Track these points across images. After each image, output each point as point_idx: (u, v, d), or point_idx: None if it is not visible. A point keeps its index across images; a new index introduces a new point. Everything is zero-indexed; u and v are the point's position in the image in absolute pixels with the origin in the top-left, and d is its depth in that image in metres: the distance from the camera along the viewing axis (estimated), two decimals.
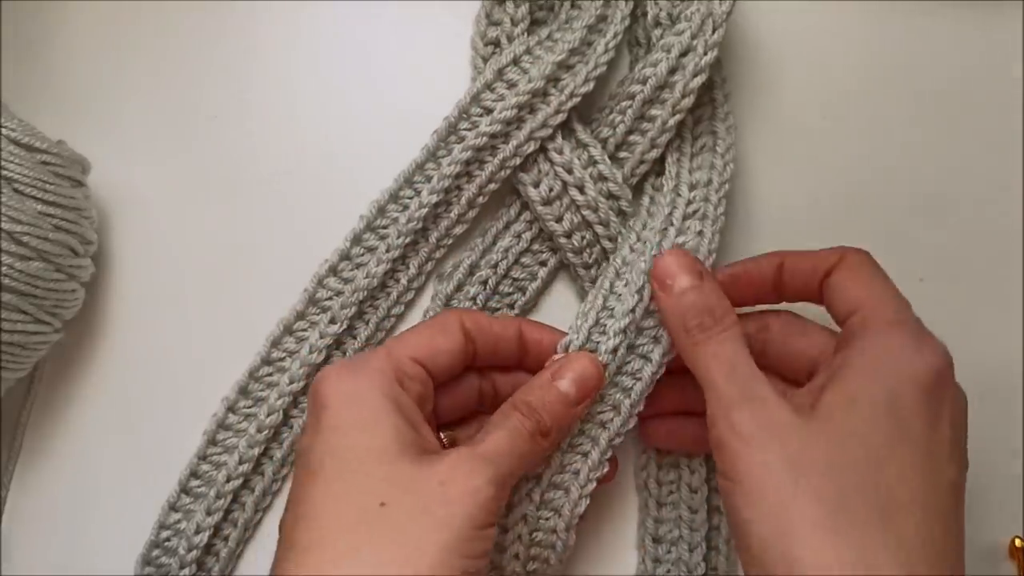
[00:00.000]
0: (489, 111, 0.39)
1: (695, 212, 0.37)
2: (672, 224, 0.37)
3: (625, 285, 0.36)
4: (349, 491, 0.30)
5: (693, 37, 0.38)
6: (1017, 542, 0.39)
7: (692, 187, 0.38)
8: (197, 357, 0.41)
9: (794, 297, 0.36)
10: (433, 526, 0.29)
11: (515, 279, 0.40)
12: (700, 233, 0.37)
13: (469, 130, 0.39)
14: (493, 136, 0.39)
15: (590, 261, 0.39)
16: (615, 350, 0.35)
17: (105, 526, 0.40)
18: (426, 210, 0.39)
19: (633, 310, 0.36)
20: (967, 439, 0.31)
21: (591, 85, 0.39)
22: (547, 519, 0.35)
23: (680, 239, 0.37)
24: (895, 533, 0.28)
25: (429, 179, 0.39)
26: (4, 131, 0.36)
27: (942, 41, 0.43)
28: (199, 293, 0.42)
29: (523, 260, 0.40)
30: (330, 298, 0.40)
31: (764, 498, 0.29)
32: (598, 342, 0.36)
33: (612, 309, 0.36)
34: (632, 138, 0.39)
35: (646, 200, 0.39)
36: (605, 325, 0.36)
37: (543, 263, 0.40)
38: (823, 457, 0.29)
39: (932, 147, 0.42)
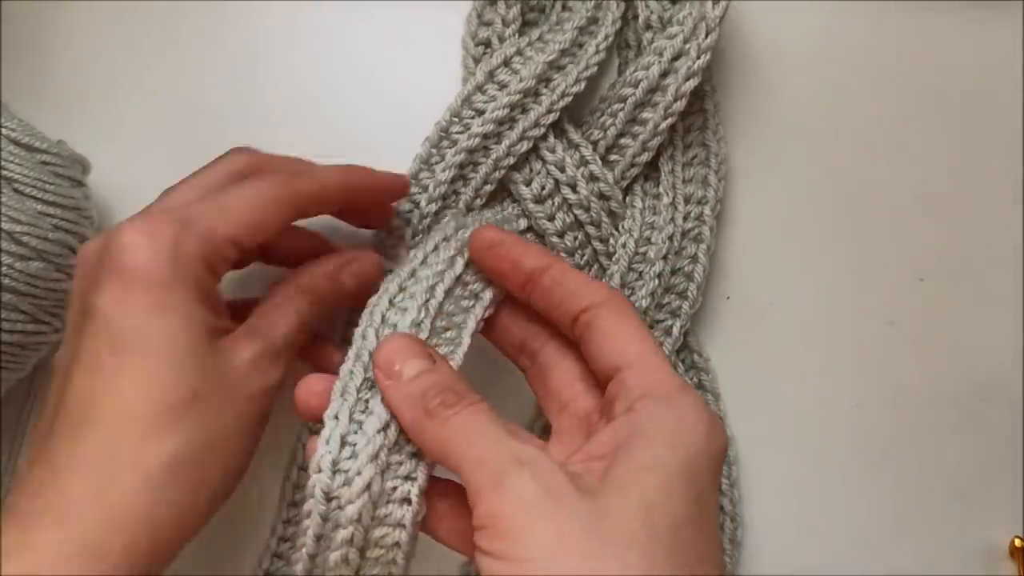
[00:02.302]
0: (480, 112, 0.39)
1: (692, 233, 0.39)
2: (669, 252, 0.38)
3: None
4: (161, 378, 0.29)
5: (686, 41, 0.38)
6: (1017, 542, 0.39)
7: (687, 200, 0.40)
8: None
9: (550, 316, 0.32)
10: (239, 417, 0.31)
11: None
12: (695, 259, 0.39)
13: (461, 133, 0.39)
14: (485, 136, 0.39)
15: (582, 263, 0.39)
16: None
17: None
18: (428, 220, 0.39)
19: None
20: None
21: (582, 85, 0.39)
22: None
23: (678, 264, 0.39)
24: None
25: (425, 188, 0.39)
26: (4, 131, 0.36)
27: (942, 41, 0.43)
28: None
29: None
30: None
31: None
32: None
33: None
34: (623, 141, 0.39)
35: (638, 205, 0.39)
36: None
37: None
38: (624, 528, 0.26)
39: (932, 147, 0.42)
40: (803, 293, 0.41)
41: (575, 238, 0.39)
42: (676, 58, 0.38)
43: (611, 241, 0.39)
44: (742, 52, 0.43)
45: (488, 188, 0.39)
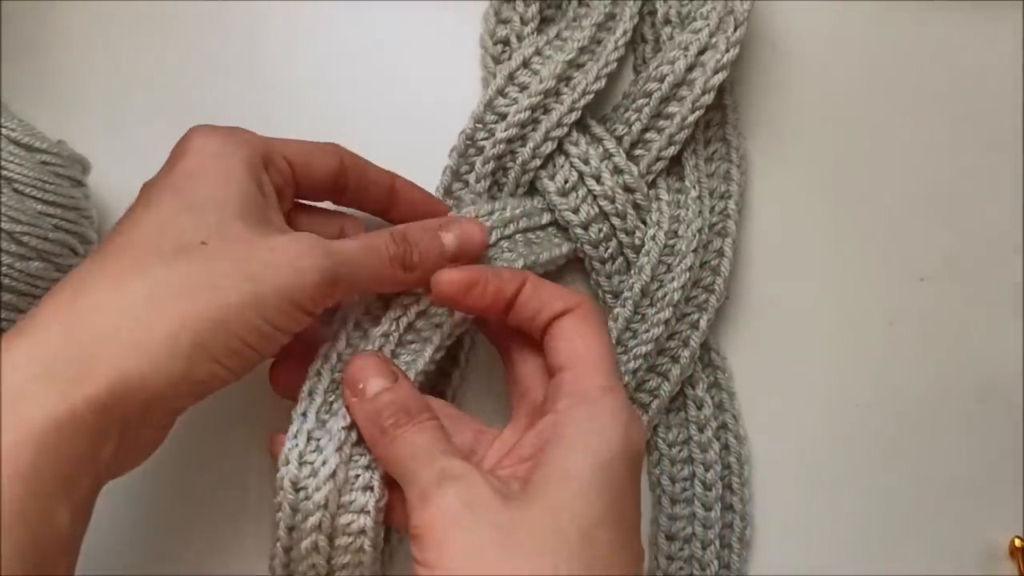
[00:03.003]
0: (503, 116, 0.39)
1: (717, 227, 0.40)
2: (699, 246, 0.39)
3: (651, 305, 0.38)
4: (176, 225, 0.30)
5: (712, 35, 0.38)
6: (1017, 542, 0.39)
7: (711, 194, 0.40)
8: None
9: (521, 326, 0.34)
10: (243, 276, 0.29)
11: (531, 240, 0.39)
12: (720, 252, 0.40)
13: (487, 139, 0.39)
14: (510, 141, 0.39)
15: (606, 255, 0.39)
16: (635, 371, 0.38)
17: (105, 525, 0.40)
18: None
19: (656, 339, 0.38)
20: None
21: (603, 82, 0.39)
22: None
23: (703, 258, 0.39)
24: None
25: (461, 200, 0.39)
26: (4, 131, 0.36)
27: (942, 41, 0.43)
28: None
29: (538, 232, 0.39)
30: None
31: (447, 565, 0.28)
32: (618, 361, 0.37)
33: (635, 331, 0.38)
34: (648, 136, 0.39)
35: (664, 198, 0.39)
36: (627, 345, 0.38)
37: (557, 245, 0.39)
38: (536, 533, 0.28)
39: (932, 147, 0.42)
40: (803, 293, 0.41)
41: (600, 230, 0.39)
42: (702, 52, 0.38)
43: (637, 234, 0.39)
44: (742, 52, 0.43)
45: (521, 191, 0.39)
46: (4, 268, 0.35)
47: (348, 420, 0.32)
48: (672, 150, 0.39)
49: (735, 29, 0.38)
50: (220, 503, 0.40)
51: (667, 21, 0.40)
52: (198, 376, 0.29)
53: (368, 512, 0.32)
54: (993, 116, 0.42)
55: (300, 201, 0.36)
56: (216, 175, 0.31)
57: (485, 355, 0.40)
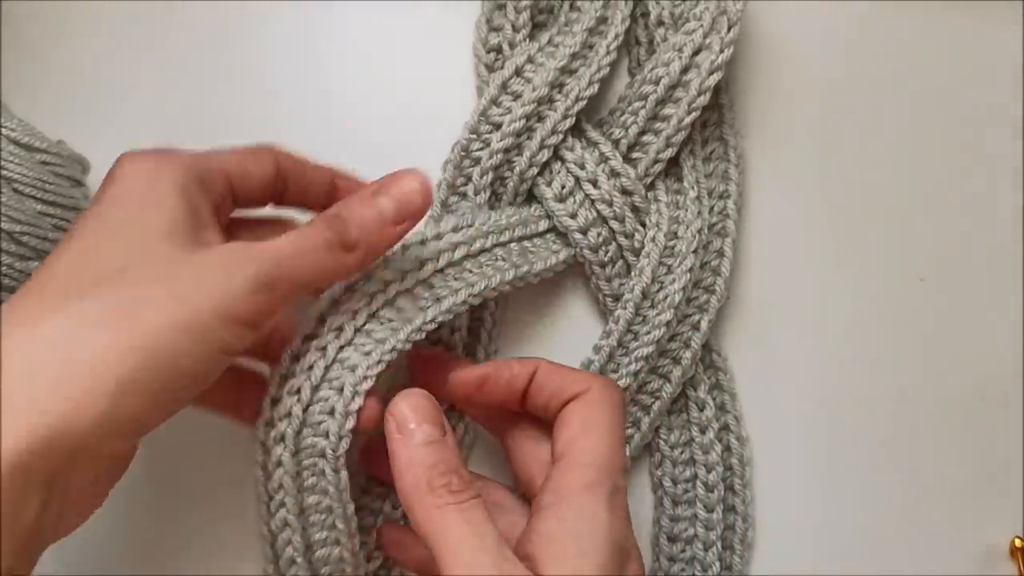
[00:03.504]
0: (498, 126, 0.39)
1: (716, 227, 0.40)
2: (699, 247, 0.39)
3: (652, 307, 0.38)
4: (97, 254, 0.28)
5: (706, 35, 0.38)
6: (1017, 542, 0.39)
7: (710, 194, 0.40)
8: None
9: (538, 414, 0.34)
10: (168, 297, 0.27)
11: (527, 249, 0.39)
12: (720, 253, 0.39)
13: (482, 150, 0.39)
14: (507, 151, 0.38)
15: (605, 259, 0.39)
16: (637, 373, 0.38)
17: (104, 526, 0.40)
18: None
19: (658, 341, 0.38)
20: None
21: (596, 87, 0.39)
22: None
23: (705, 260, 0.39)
24: None
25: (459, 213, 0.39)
26: (4, 131, 0.36)
27: (942, 41, 0.43)
28: None
29: (536, 241, 0.39)
30: None
31: None
32: (619, 364, 0.38)
33: (636, 333, 0.38)
34: (645, 138, 0.39)
35: (663, 199, 0.39)
36: (628, 347, 0.38)
37: (555, 252, 0.39)
38: None
39: (932, 147, 0.42)
40: (802, 293, 0.41)
41: (598, 234, 0.39)
42: (696, 53, 0.38)
43: (636, 236, 0.39)
44: (739, 52, 0.43)
45: (519, 200, 0.39)
46: (4, 268, 0.35)
47: (337, 427, 0.32)
48: (669, 152, 0.39)
49: (728, 29, 0.38)
50: (222, 503, 0.40)
51: (660, 23, 0.40)
52: (123, 414, 0.26)
53: (328, 436, 0.32)
54: (993, 116, 0.43)
55: (238, 215, 0.35)
56: (143, 198, 0.29)
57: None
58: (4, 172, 0.35)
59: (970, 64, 0.43)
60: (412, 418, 0.30)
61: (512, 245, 0.38)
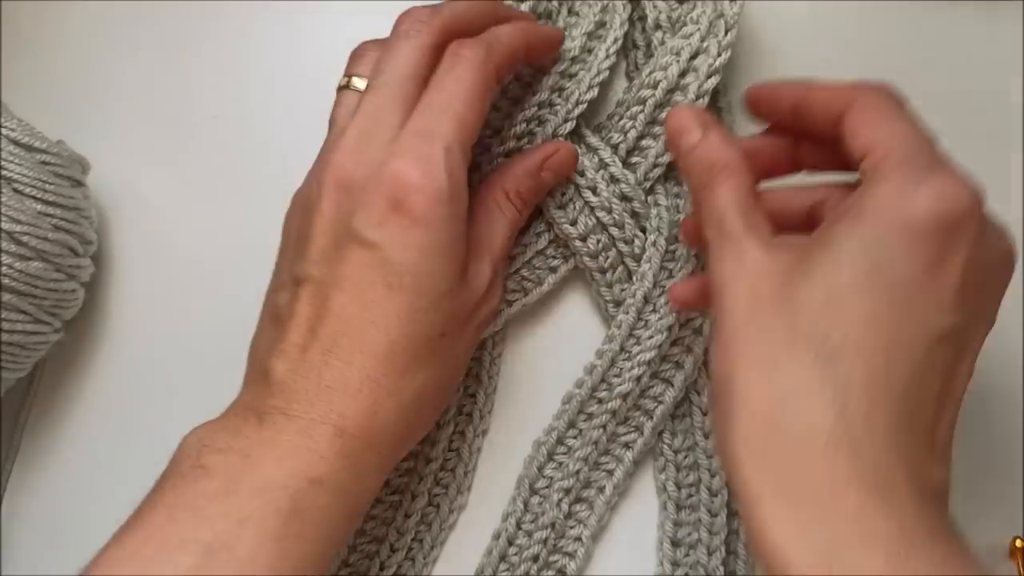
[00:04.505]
0: (498, 131, 0.39)
1: None
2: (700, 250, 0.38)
3: (654, 312, 0.38)
4: (423, 317, 0.31)
5: (703, 39, 0.38)
6: (1017, 542, 0.39)
7: None
8: (197, 357, 0.41)
9: (812, 126, 0.33)
10: (467, 346, 0.35)
11: (523, 277, 0.40)
12: None
13: (482, 154, 0.38)
14: (507, 156, 0.38)
15: (606, 265, 0.39)
16: (639, 378, 0.38)
17: (105, 526, 0.40)
18: None
19: (660, 346, 0.38)
20: (999, 292, 0.30)
21: (595, 91, 0.39)
22: (572, 528, 0.38)
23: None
24: (835, 372, 0.26)
25: None
26: (4, 131, 0.36)
27: (942, 41, 0.43)
28: (199, 293, 0.42)
29: (534, 262, 0.40)
30: None
31: (723, 331, 0.28)
32: (621, 368, 0.38)
33: (639, 338, 0.38)
34: (644, 143, 0.39)
35: (663, 203, 0.39)
36: (631, 352, 0.38)
37: (553, 269, 0.40)
38: (780, 294, 0.27)
39: None
40: None
41: (598, 241, 0.39)
42: (694, 56, 0.38)
43: (636, 242, 0.39)
44: (739, 51, 0.43)
45: None
46: (4, 268, 0.35)
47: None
48: (668, 156, 0.39)
49: (726, 32, 0.38)
50: None
51: (658, 26, 0.40)
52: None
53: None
54: (993, 116, 0.42)
55: None
56: (443, 253, 0.32)
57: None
58: (4, 172, 0.35)
59: (970, 64, 0.43)
60: (678, 130, 0.33)
61: (523, 271, 0.39)
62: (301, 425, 0.30)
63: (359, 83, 0.35)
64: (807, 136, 0.34)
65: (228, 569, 0.27)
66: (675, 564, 0.38)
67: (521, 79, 0.39)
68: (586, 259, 0.39)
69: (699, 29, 0.38)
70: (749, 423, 0.27)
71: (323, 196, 0.32)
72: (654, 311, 0.38)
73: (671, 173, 0.40)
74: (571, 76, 0.39)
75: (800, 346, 0.27)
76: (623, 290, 0.39)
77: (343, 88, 0.35)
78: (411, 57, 0.33)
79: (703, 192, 0.31)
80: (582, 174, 0.39)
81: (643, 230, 0.39)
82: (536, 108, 0.38)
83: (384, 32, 0.43)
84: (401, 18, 0.34)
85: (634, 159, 0.39)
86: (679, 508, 0.39)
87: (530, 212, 0.38)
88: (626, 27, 0.40)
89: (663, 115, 0.38)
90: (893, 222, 0.27)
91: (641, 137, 0.39)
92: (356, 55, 0.36)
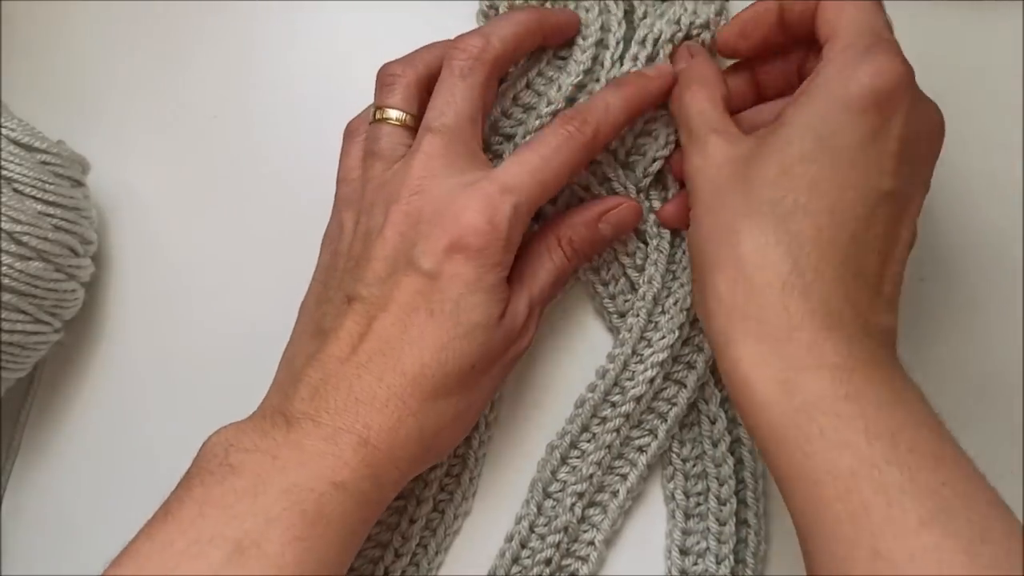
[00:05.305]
0: (510, 138, 0.38)
1: None
2: None
3: (663, 313, 0.38)
4: (457, 348, 0.32)
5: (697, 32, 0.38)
6: None
7: None
8: (197, 357, 0.41)
9: (798, 32, 0.35)
10: (492, 384, 0.35)
11: None
12: None
13: (492, 160, 0.38)
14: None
15: (607, 278, 0.39)
16: (652, 380, 0.38)
17: (105, 526, 0.40)
18: None
19: (671, 346, 0.38)
20: (932, 159, 0.33)
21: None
22: (585, 531, 0.38)
23: None
24: (787, 230, 0.30)
25: None
26: (4, 131, 0.36)
27: (942, 41, 0.43)
28: (199, 293, 0.42)
29: None
30: None
31: (695, 213, 0.33)
32: (634, 371, 0.38)
33: (650, 340, 0.38)
34: (640, 140, 0.39)
35: (660, 206, 0.39)
36: (642, 355, 0.38)
37: None
38: (740, 174, 0.32)
39: None
40: None
41: (600, 255, 0.39)
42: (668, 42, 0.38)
43: (638, 255, 0.39)
44: None
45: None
46: (4, 268, 0.35)
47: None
48: (667, 151, 0.39)
49: (716, 23, 0.38)
50: None
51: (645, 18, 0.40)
52: None
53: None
54: (993, 116, 0.42)
55: None
56: (490, 291, 0.33)
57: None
58: (4, 172, 0.35)
59: (970, 64, 0.43)
60: (682, 58, 0.38)
61: None
62: (328, 432, 0.31)
63: (395, 115, 0.35)
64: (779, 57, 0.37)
65: (257, 566, 0.28)
66: (684, 573, 0.38)
67: (532, 87, 0.39)
68: (589, 273, 0.39)
69: (690, 23, 0.38)
70: (720, 282, 0.31)
71: (388, 224, 0.33)
72: (663, 312, 0.38)
73: (662, 178, 0.40)
74: (582, 88, 0.38)
75: (757, 213, 0.31)
76: (626, 301, 0.39)
77: (378, 121, 0.36)
78: (469, 100, 0.35)
79: (678, 103, 0.36)
80: (587, 189, 0.39)
81: (644, 243, 0.39)
82: (550, 117, 0.37)
83: (384, 32, 0.43)
84: (453, 52, 0.35)
85: (632, 158, 0.39)
86: (688, 517, 0.39)
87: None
88: (623, 27, 0.40)
89: (659, 110, 0.38)
90: (836, 99, 0.31)
91: (638, 136, 0.39)
92: (386, 85, 0.36)
